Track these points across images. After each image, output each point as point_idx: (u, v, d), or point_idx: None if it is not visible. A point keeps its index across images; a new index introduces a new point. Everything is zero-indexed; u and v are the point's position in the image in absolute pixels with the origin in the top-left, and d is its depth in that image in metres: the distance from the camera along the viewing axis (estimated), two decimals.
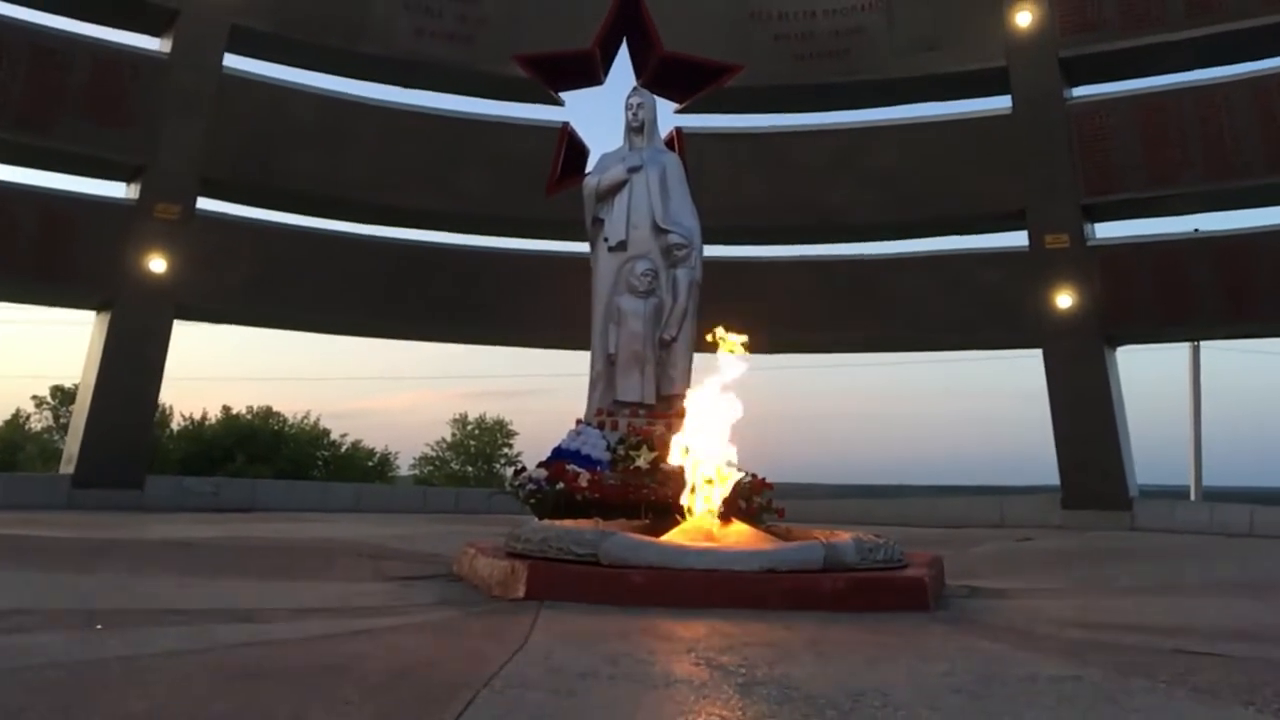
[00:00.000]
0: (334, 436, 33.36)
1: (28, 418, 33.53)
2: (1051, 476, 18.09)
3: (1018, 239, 18.31)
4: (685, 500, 6.62)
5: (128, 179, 17.33)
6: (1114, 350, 17.94)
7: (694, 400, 6.80)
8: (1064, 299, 17.39)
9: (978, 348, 20.66)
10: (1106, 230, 18.30)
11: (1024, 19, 17.53)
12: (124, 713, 2.63)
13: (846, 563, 5.37)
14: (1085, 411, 17.24)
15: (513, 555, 5.85)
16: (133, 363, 16.76)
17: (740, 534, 6.06)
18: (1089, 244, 17.64)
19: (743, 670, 3.38)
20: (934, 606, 5.26)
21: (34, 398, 33.92)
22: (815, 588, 5.09)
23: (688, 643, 3.98)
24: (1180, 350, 29.42)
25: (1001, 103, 18.22)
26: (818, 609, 4.93)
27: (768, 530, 6.43)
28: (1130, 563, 9.86)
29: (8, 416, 33.73)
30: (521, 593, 5.24)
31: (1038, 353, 18.01)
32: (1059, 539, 13.46)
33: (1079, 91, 17.98)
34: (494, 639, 3.99)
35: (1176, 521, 16.68)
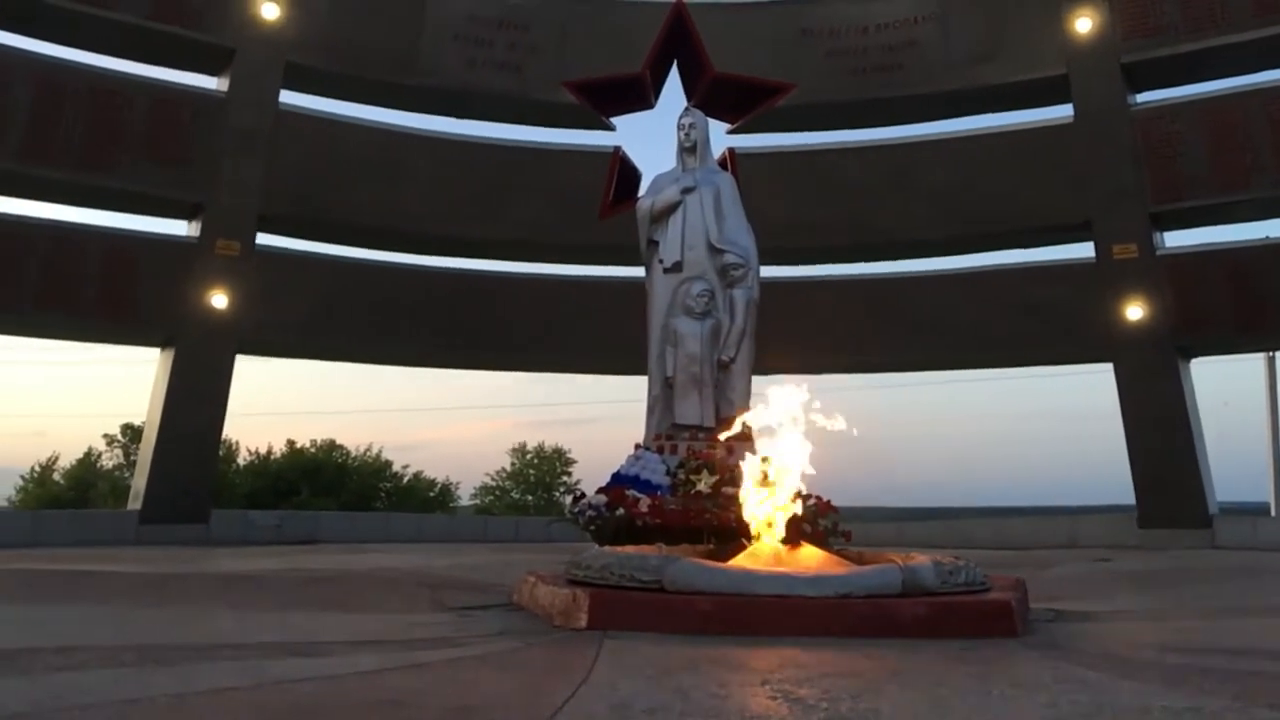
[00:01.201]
0: (396, 468, 33.50)
1: (99, 456, 34.13)
2: (1125, 495, 17.53)
3: (1083, 250, 17.83)
4: (750, 523, 6.37)
5: (188, 217, 17.58)
6: (1188, 362, 17.36)
7: (766, 421, 6.53)
8: (1134, 310, 16.88)
9: (1044, 363, 20.13)
10: (1176, 239, 17.79)
11: (1084, 25, 17.13)
12: None
13: (926, 586, 5.09)
14: (1160, 426, 16.68)
15: (574, 583, 5.65)
16: (196, 398, 16.91)
17: (811, 558, 5.80)
18: (1158, 253, 17.13)
19: (824, 704, 3.13)
20: (1021, 631, 4.95)
21: (105, 436, 34.52)
22: (894, 613, 4.81)
23: (761, 674, 3.74)
24: (1256, 361, 28.53)
25: (1063, 112, 17.81)
26: (897, 636, 4.66)
27: (838, 554, 6.15)
28: (1220, 583, 9.38)
29: (80, 455, 34.34)
30: (584, 622, 5.03)
31: (1108, 367, 17.49)
32: (1138, 560, 12.93)
33: (1143, 97, 17.52)
34: (556, 672, 3.78)
35: (1260, 539, 16.04)
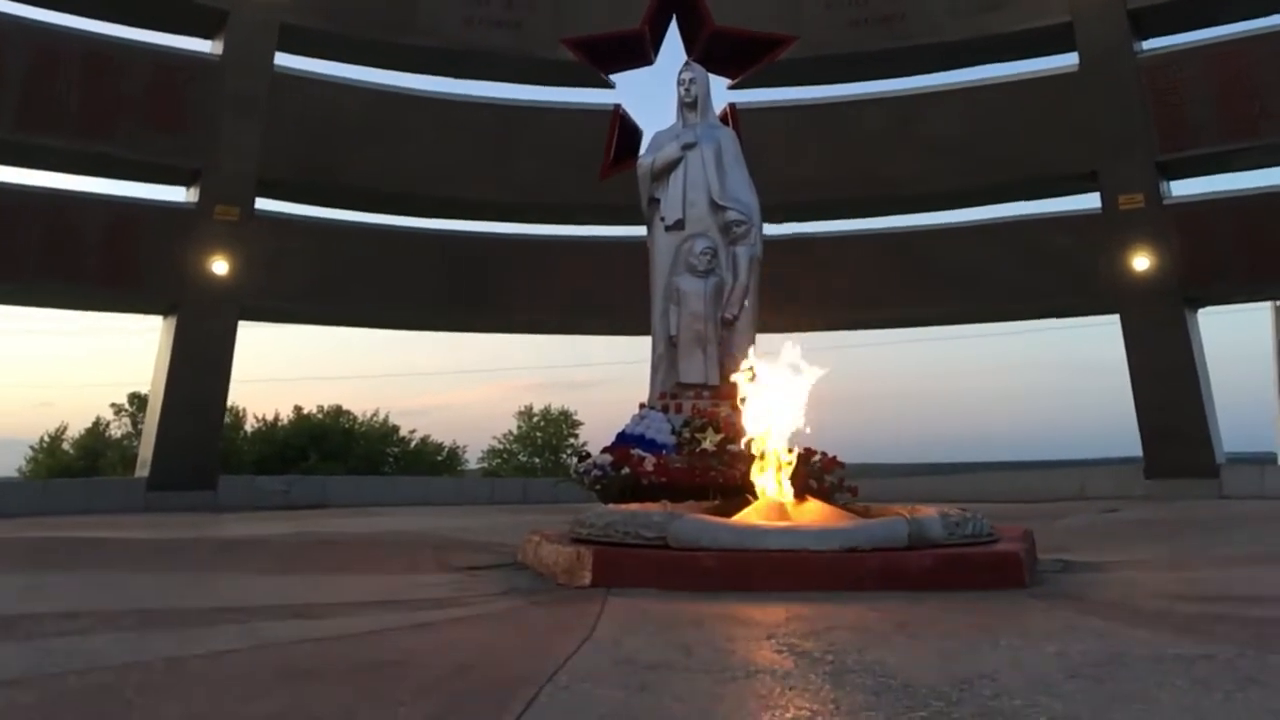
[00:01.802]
0: (403, 433, 33.53)
1: (107, 425, 34.17)
2: (1131, 448, 17.46)
3: (1089, 201, 17.65)
4: (755, 477, 6.32)
5: (187, 183, 17.45)
6: (1195, 313, 17.22)
7: (759, 374, 6.47)
8: (1141, 261, 16.72)
9: (1051, 316, 20.01)
10: (1183, 188, 17.61)
11: None
12: (157, 718, 2.43)
13: (932, 538, 5.03)
14: (1167, 377, 16.58)
15: (578, 541, 5.61)
16: (200, 365, 16.89)
17: (816, 512, 5.75)
18: (1165, 203, 16.94)
19: (830, 657, 3.08)
20: (1029, 582, 4.90)
21: (112, 405, 34.53)
22: (901, 566, 4.75)
23: (767, 628, 3.69)
24: (1262, 310, 28.34)
25: (1068, 60, 17.55)
26: (903, 589, 4.60)
27: (844, 509, 6.10)
28: (1228, 531, 9.34)
29: (89, 424, 34.39)
30: (588, 579, 5.00)
31: (1114, 319, 17.38)
32: (1146, 509, 12.89)
33: (1149, 44, 17.24)
34: (559, 629, 3.74)
35: (1267, 488, 15.99)
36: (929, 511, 5.35)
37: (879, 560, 4.80)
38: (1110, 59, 16.90)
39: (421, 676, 2.87)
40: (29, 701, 2.62)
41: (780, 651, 3.21)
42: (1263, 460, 24.64)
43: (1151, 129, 16.64)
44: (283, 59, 17.69)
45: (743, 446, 6.69)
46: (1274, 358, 28.09)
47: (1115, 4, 16.79)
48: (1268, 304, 26.89)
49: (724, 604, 4.34)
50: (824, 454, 10.58)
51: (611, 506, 6.60)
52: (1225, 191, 17.05)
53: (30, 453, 33.89)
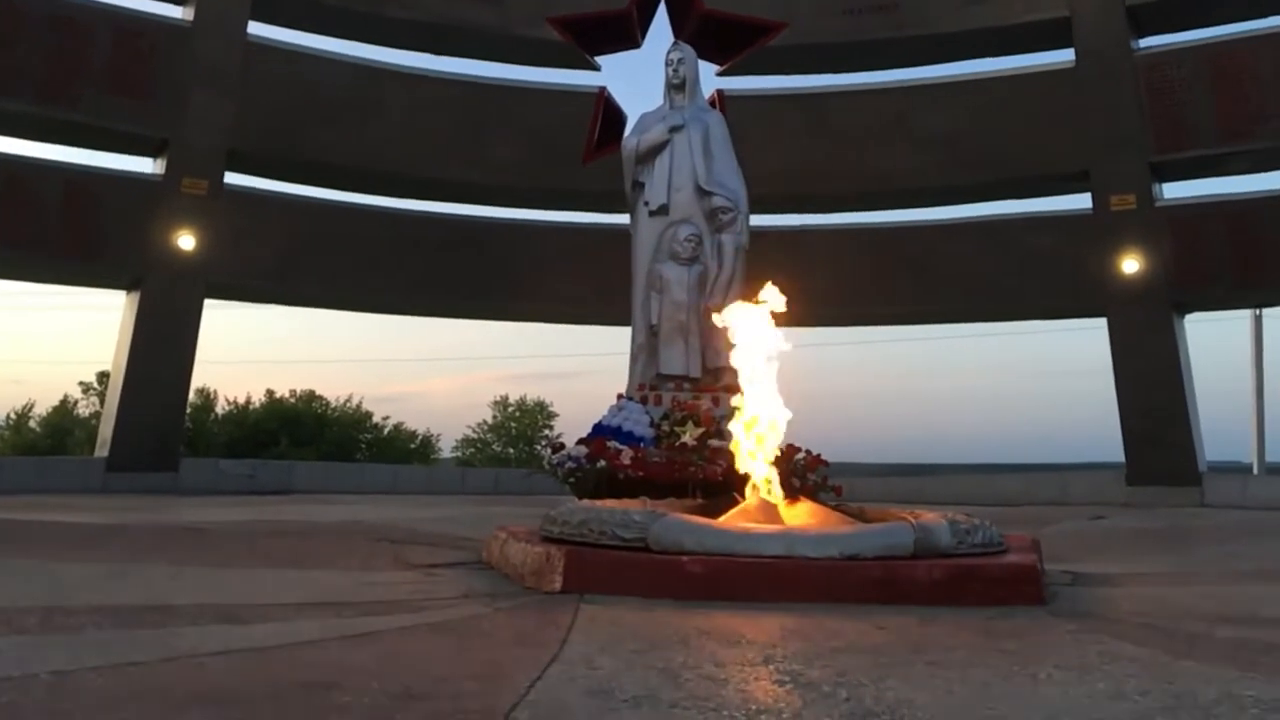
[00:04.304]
0: (376, 419, 32.95)
1: (75, 403, 33.41)
2: (1113, 453, 17.17)
3: (1080, 201, 17.29)
4: (745, 474, 5.85)
5: (154, 154, 16.81)
6: (1182, 318, 16.93)
7: (742, 357, 6.02)
8: (1130, 264, 16.39)
9: (1037, 317, 19.74)
10: (1175, 190, 17.26)
11: None
12: None
13: (940, 547, 4.56)
14: (1153, 382, 16.28)
15: (549, 540, 5.12)
16: (164, 343, 16.29)
17: (810, 515, 5.28)
18: (1157, 205, 16.61)
19: (844, 693, 2.60)
20: (1046, 598, 4.44)
21: (80, 383, 33.76)
22: (907, 577, 4.28)
23: (762, 648, 3.23)
24: (1241, 319, 28.19)
25: (1063, 56, 17.17)
26: (909, 602, 4.14)
27: (837, 510, 5.63)
28: (1226, 543, 9.00)
29: (57, 403, 33.59)
30: (558, 584, 4.50)
31: (1099, 323, 17.06)
32: (1134, 518, 12.59)
33: (1146, 42, 16.88)
34: (523, 644, 3.26)
35: (1249, 497, 15.76)
36: (934, 517, 4.89)
37: (882, 570, 4.33)
38: (1107, 56, 16.54)
39: (354, 706, 2.38)
40: None
41: (782, 682, 2.73)
42: (1237, 470, 24.56)
43: (1147, 129, 16.29)
44: (256, 28, 17.05)
45: (730, 443, 6.20)
46: (1252, 367, 28.09)
47: None
48: (1247, 312, 26.91)
49: (711, 616, 3.87)
50: (808, 451, 10.16)
51: (586, 503, 6.11)
52: (1217, 195, 16.74)
53: None
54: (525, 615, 3.98)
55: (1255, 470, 26.10)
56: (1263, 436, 27.19)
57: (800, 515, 5.28)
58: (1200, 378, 16.89)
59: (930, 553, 4.52)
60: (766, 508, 5.35)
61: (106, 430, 16.54)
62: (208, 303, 17.05)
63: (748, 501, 5.57)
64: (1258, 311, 26.67)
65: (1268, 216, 15.95)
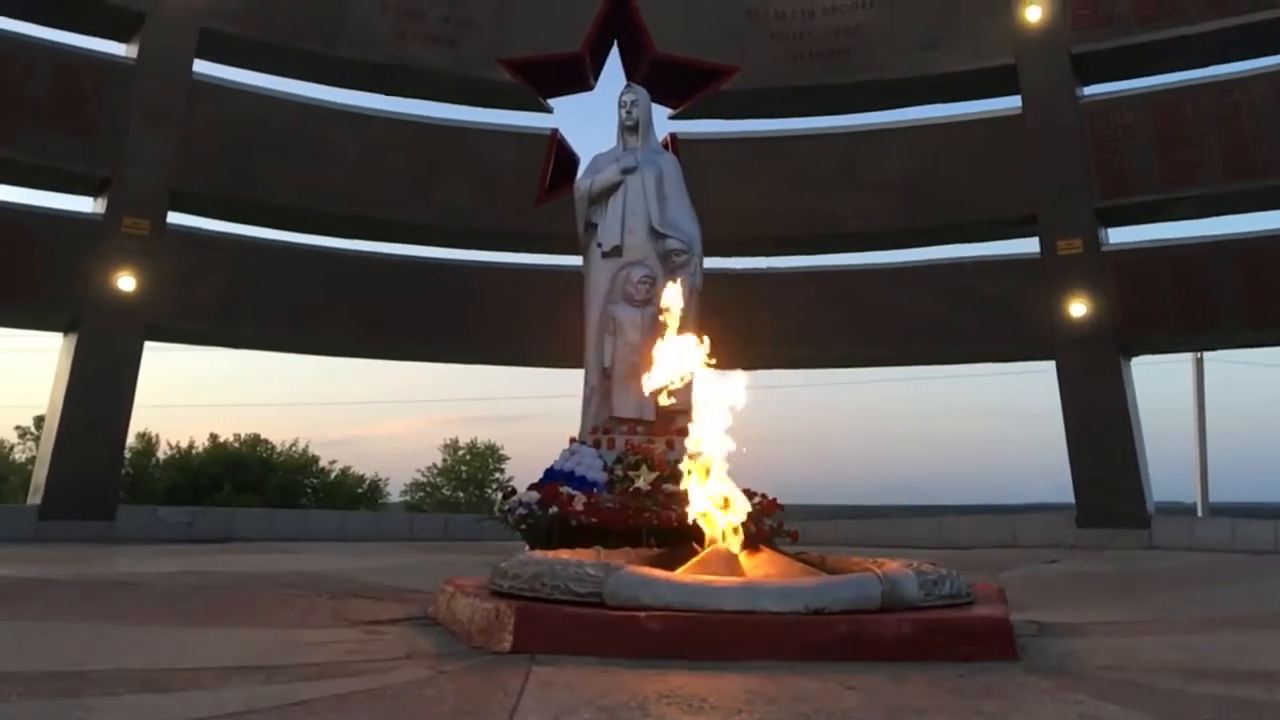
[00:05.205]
0: (323, 464, 32.36)
1: (11, 448, 32.43)
2: (1062, 495, 17.21)
3: (1028, 245, 17.46)
4: (699, 522, 5.65)
5: (94, 193, 16.39)
6: (1129, 360, 17.10)
7: (699, 399, 5.85)
8: (1078, 307, 16.55)
9: (986, 360, 19.81)
10: (1121, 235, 17.51)
11: (1034, 14, 16.72)
12: None
13: (908, 599, 4.40)
14: (1101, 425, 16.39)
15: (498, 594, 4.88)
16: (102, 386, 15.77)
17: (771, 564, 5.08)
18: (1103, 249, 16.81)
19: None
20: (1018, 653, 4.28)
21: (17, 428, 32.83)
22: (875, 632, 4.10)
23: (726, 715, 3.02)
24: (1183, 362, 28.59)
25: (1010, 103, 17.40)
26: (877, 659, 3.97)
27: (799, 559, 5.44)
28: (1183, 589, 8.97)
29: None
30: (508, 644, 4.26)
31: (1047, 366, 17.18)
32: (1088, 561, 12.58)
33: (1091, 90, 17.18)
34: (468, 714, 3.01)
35: (1196, 539, 15.87)
36: (898, 567, 4.72)
37: (849, 625, 4.15)
38: (1053, 103, 16.79)
39: None
40: None
41: None
42: (1181, 511, 24.78)
43: (1092, 175, 16.53)
44: (201, 66, 16.75)
45: (685, 489, 6.00)
46: (1195, 409, 28.47)
47: (1060, 48, 16.70)
48: (1188, 356, 27.32)
49: (671, 677, 3.66)
50: (764, 495, 10.01)
51: (538, 554, 5.87)
52: (1161, 240, 16.99)
53: None
54: (472, 679, 3.74)
55: (1199, 511, 26.38)
56: (1206, 478, 27.54)
57: (761, 565, 5.09)
58: (1146, 420, 17.04)
59: (897, 605, 4.35)
60: (726, 558, 5.15)
61: (40, 476, 15.95)
62: (151, 345, 16.60)
63: (705, 551, 5.37)
64: (1199, 355, 27.13)
65: (1210, 261, 16.21)
